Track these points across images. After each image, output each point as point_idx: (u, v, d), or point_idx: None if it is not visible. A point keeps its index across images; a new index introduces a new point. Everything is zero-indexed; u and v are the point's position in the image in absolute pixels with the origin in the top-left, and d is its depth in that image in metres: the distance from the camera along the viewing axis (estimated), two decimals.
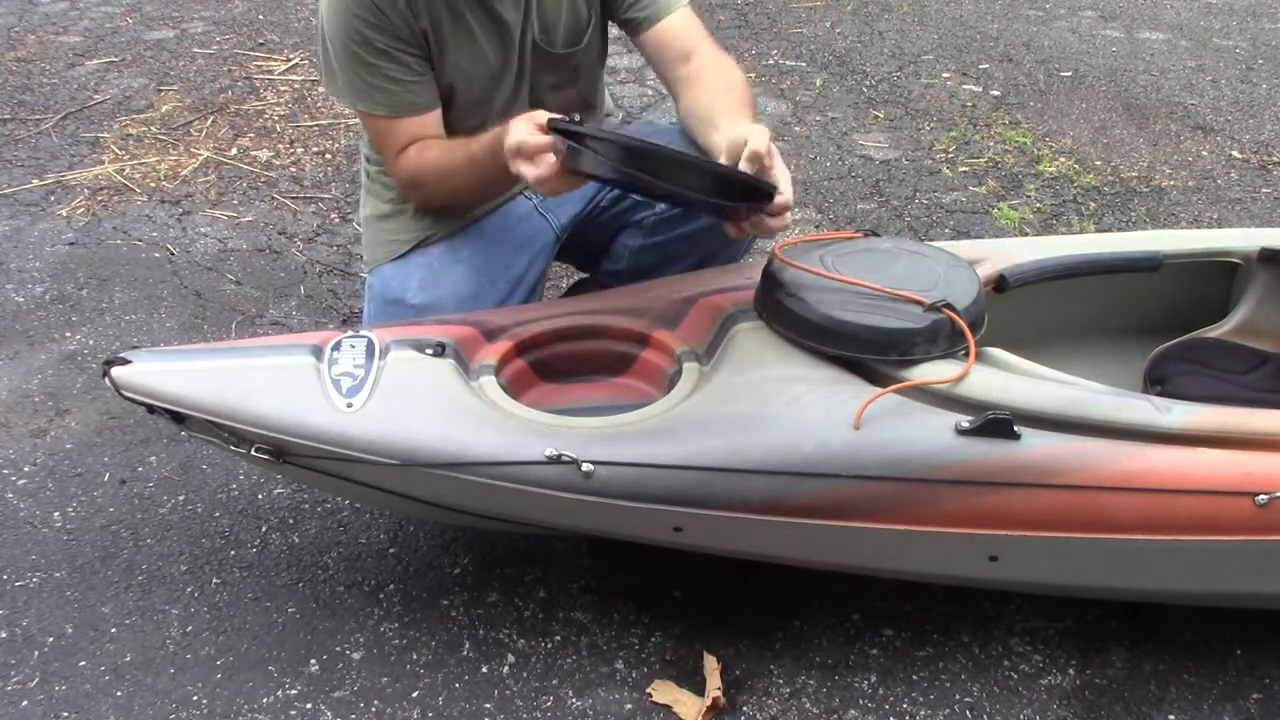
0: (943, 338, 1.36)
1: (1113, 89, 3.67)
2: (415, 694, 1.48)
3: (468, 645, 1.56)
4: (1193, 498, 1.29)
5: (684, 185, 1.27)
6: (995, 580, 1.47)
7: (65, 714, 1.45)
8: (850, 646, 1.56)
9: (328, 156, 3.07)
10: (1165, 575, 1.42)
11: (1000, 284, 1.61)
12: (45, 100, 3.39)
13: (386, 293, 1.72)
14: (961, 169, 3.09)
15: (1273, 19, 4.50)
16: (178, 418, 1.39)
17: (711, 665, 1.51)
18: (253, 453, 1.37)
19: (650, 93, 3.54)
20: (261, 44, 3.89)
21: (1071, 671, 1.53)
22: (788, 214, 1.38)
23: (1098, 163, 3.14)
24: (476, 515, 1.47)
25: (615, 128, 1.95)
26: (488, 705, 1.47)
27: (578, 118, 1.32)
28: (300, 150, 3.10)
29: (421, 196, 1.71)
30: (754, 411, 1.33)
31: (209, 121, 3.26)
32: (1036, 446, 1.30)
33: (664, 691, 1.48)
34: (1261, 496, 1.28)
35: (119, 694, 1.48)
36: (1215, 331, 1.77)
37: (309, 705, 1.47)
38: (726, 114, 1.50)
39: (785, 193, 1.35)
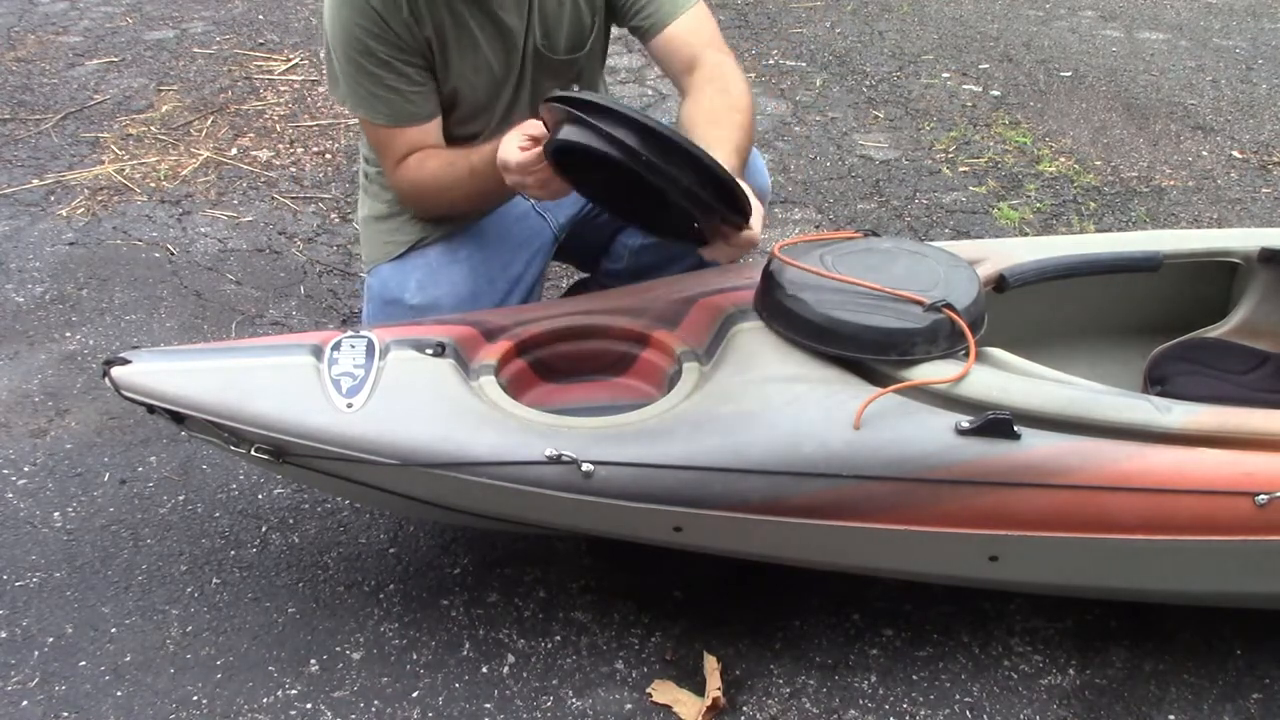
0: (943, 338, 1.36)
1: (1113, 89, 3.67)
2: (415, 694, 1.49)
3: (468, 645, 1.56)
4: (1193, 498, 1.29)
5: (673, 168, 1.23)
6: (995, 580, 1.47)
7: (65, 714, 1.45)
8: (850, 646, 1.56)
9: (328, 156, 3.07)
10: (1165, 575, 1.42)
11: (1000, 284, 1.61)
12: (45, 100, 3.39)
13: (385, 293, 1.72)
14: (961, 169, 3.09)
15: (1273, 19, 4.50)
16: (178, 418, 1.39)
17: (711, 665, 1.51)
18: (253, 453, 1.37)
19: (650, 93, 3.54)
20: (261, 44, 3.89)
21: (1071, 671, 1.53)
22: (747, 246, 1.35)
23: (1098, 163, 3.14)
24: (476, 515, 1.47)
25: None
26: (488, 705, 1.47)
27: (576, 88, 1.30)
28: (300, 150, 3.10)
29: (421, 206, 1.71)
30: (754, 411, 1.33)
31: (209, 121, 3.26)
32: (1036, 446, 1.30)
33: (664, 691, 1.48)
34: (1261, 496, 1.28)
35: (119, 694, 1.48)
36: (1215, 331, 1.77)
37: (309, 705, 1.47)
38: (718, 147, 1.40)
39: (755, 226, 1.33)
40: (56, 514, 1.78)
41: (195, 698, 1.47)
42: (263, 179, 2.93)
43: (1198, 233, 1.80)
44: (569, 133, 1.26)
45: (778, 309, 1.42)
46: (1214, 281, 1.78)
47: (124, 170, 2.94)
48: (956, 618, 1.60)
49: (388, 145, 1.65)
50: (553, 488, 1.31)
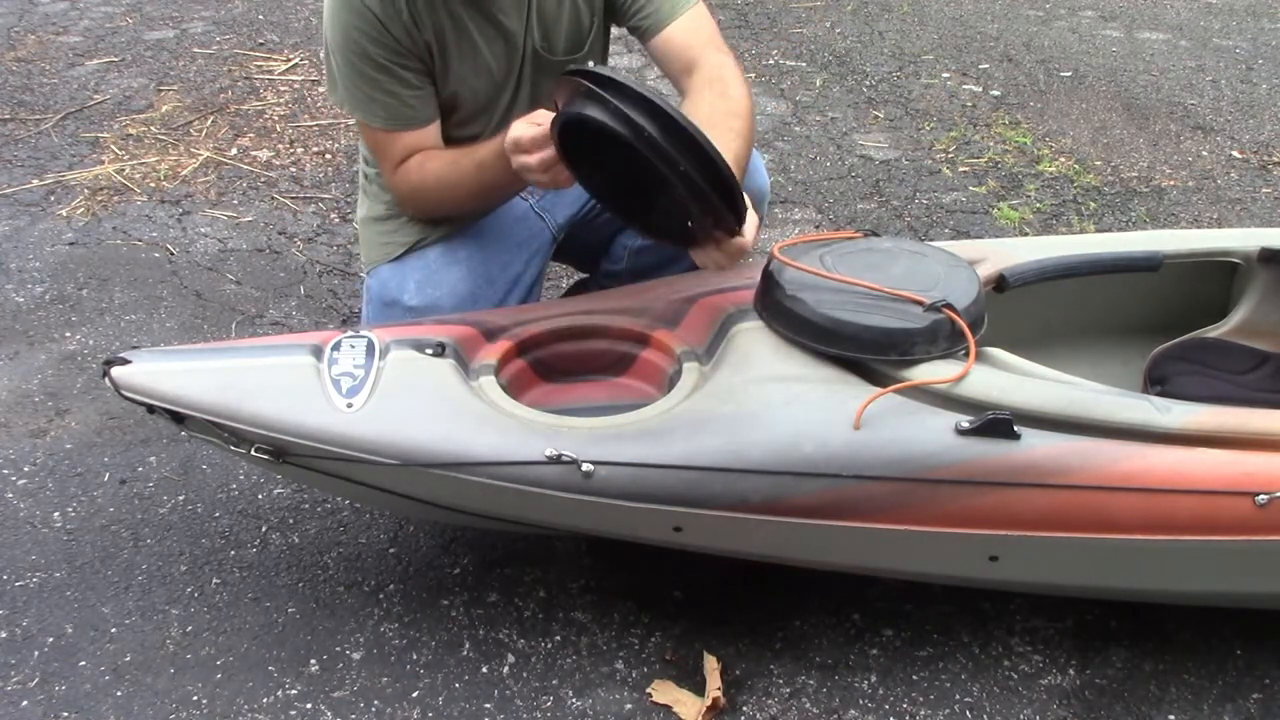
0: (943, 338, 1.36)
1: (1113, 89, 3.67)
2: (415, 694, 1.49)
3: (468, 645, 1.56)
4: (1193, 498, 1.29)
5: (678, 151, 1.22)
6: (995, 580, 1.47)
7: (65, 714, 1.45)
8: (850, 646, 1.56)
9: (328, 156, 3.07)
10: (1165, 575, 1.42)
11: (1000, 284, 1.61)
12: (45, 100, 3.39)
13: (384, 294, 1.72)
14: (961, 169, 3.09)
15: (1273, 19, 4.51)
16: (178, 418, 1.39)
17: (711, 665, 1.51)
18: (253, 453, 1.37)
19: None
20: (261, 44, 3.89)
21: (1071, 671, 1.53)
22: (737, 254, 1.35)
23: (1098, 163, 3.14)
24: (476, 515, 1.47)
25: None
26: (488, 705, 1.47)
27: (591, 63, 1.31)
28: (300, 150, 3.10)
29: (422, 209, 1.70)
30: (754, 411, 1.33)
31: (209, 121, 3.26)
32: (1036, 446, 1.30)
33: (664, 691, 1.48)
34: (1261, 496, 1.28)
35: (119, 694, 1.48)
36: (1215, 331, 1.77)
37: (309, 705, 1.47)
38: None
39: (747, 233, 1.33)
40: (56, 514, 1.78)
41: (195, 698, 1.47)
42: (263, 179, 2.93)
43: (1198, 233, 1.80)
44: (579, 104, 1.26)
45: (778, 309, 1.42)
46: (1214, 281, 1.78)
47: (124, 170, 2.94)
48: (956, 618, 1.60)
49: (386, 149, 1.64)
50: (553, 488, 1.31)
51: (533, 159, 1.37)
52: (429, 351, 1.42)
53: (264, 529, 1.76)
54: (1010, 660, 1.55)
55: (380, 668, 1.52)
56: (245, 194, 2.85)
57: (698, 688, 1.49)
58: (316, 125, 3.26)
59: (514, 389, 1.45)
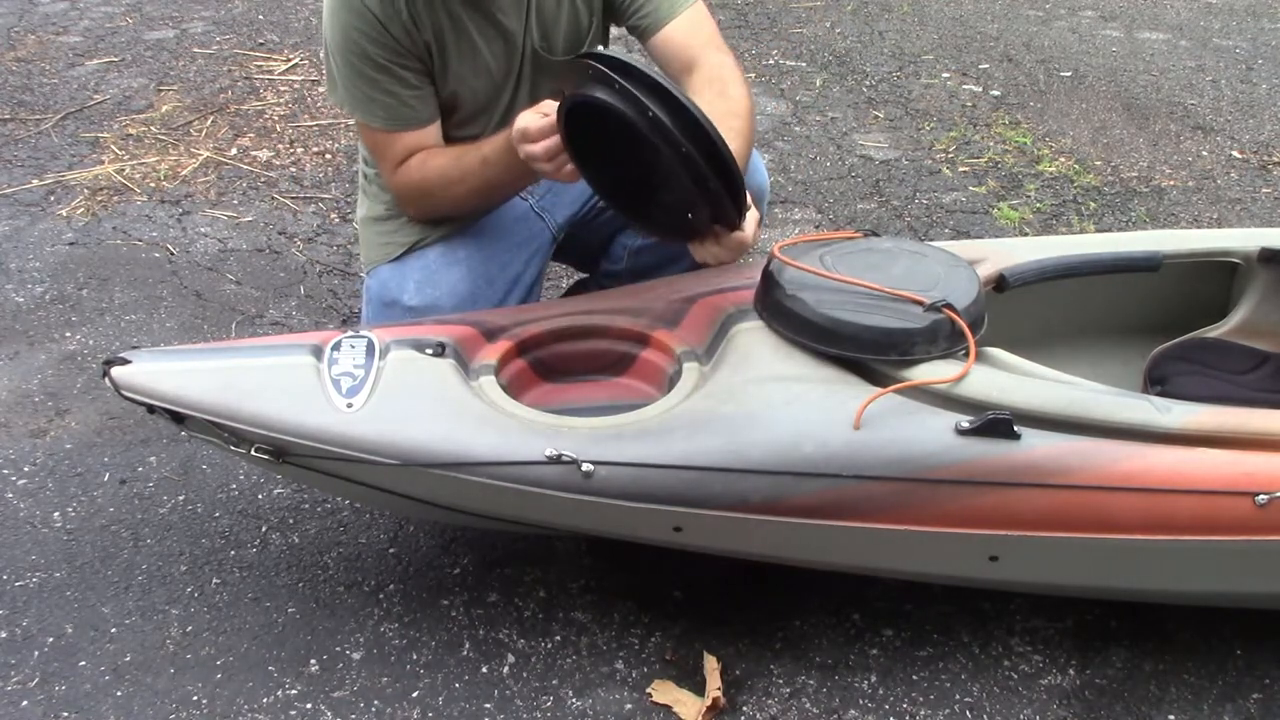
0: (943, 338, 1.36)
1: (1113, 89, 3.67)
2: (415, 694, 1.48)
3: (468, 645, 1.56)
4: (1193, 498, 1.29)
5: (682, 137, 1.23)
6: (995, 580, 1.47)
7: (65, 714, 1.45)
8: (850, 646, 1.56)
9: (328, 156, 3.07)
10: (1165, 575, 1.42)
11: (1000, 284, 1.61)
12: (45, 100, 3.39)
13: (384, 294, 1.72)
14: (961, 169, 3.09)
15: (1273, 19, 4.51)
16: (178, 418, 1.39)
17: (711, 665, 1.51)
18: (253, 453, 1.37)
19: None
20: (261, 44, 3.89)
21: (1071, 671, 1.53)
22: (737, 249, 1.35)
23: (1098, 163, 3.14)
24: (476, 515, 1.47)
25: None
26: (488, 705, 1.47)
27: (602, 48, 1.31)
28: (300, 150, 3.10)
29: (423, 208, 1.70)
30: (754, 411, 1.33)
31: (209, 121, 3.26)
32: (1036, 446, 1.30)
33: (664, 691, 1.48)
34: (1261, 496, 1.28)
35: (119, 694, 1.48)
36: (1215, 331, 1.77)
37: (309, 705, 1.47)
38: None
39: (747, 229, 1.33)
40: (56, 514, 1.78)
41: (195, 698, 1.47)
42: (263, 179, 2.93)
43: (1198, 233, 1.80)
44: (585, 87, 1.27)
45: (778, 309, 1.42)
46: (1214, 281, 1.78)
47: (124, 170, 2.94)
48: (956, 618, 1.60)
49: (386, 149, 1.64)
50: (553, 488, 1.31)
51: (539, 148, 1.37)
52: (429, 351, 1.42)
53: (264, 529, 1.76)
54: (1010, 660, 1.55)
55: (380, 668, 1.52)
56: (245, 194, 2.85)
57: (698, 688, 1.49)
58: (316, 125, 3.26)
59: (514, 389, 1.45)
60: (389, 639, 1.56)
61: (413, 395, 1.37)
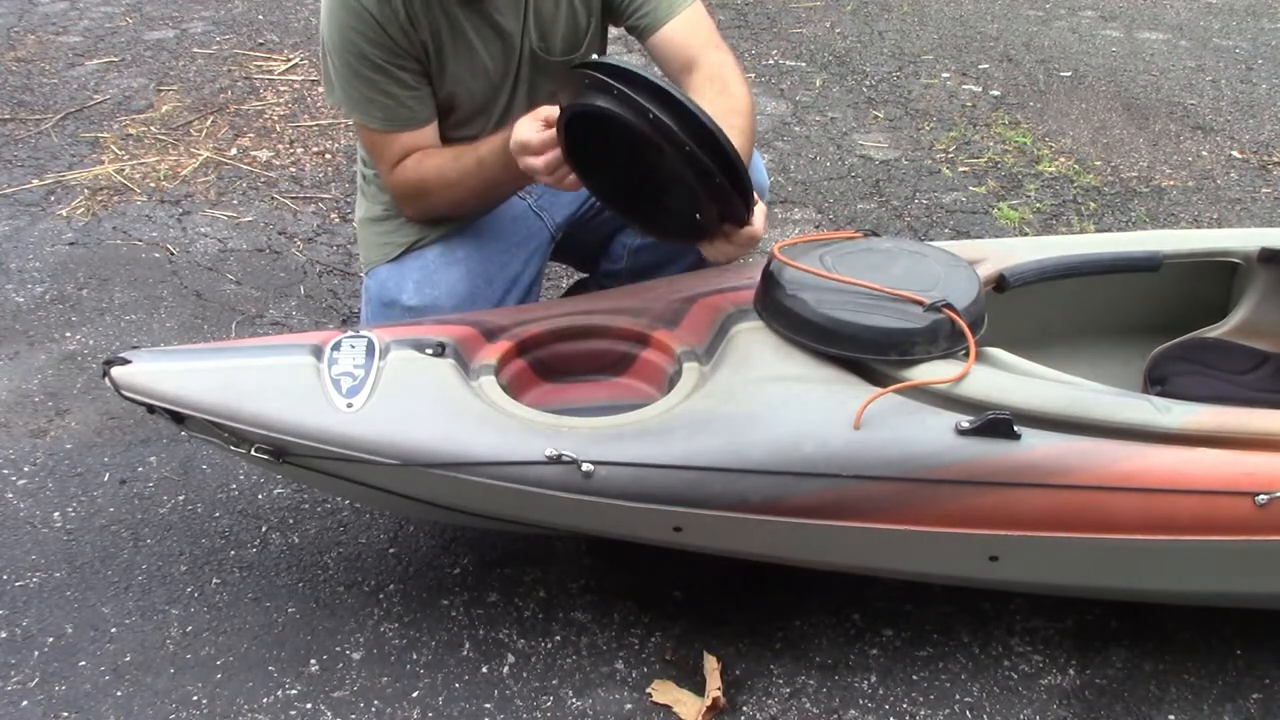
0: (943, 338, 1.36)
1: (1113, 89, 3.67)
2: (415, 694, 1.48)
3: (468, 645, 1.56)
4: (1193, 498, 1.29)
5: (686, 137, 1.23)
6: (995, 580, 1.47)
7: (65, 714, 1.45)
8: (850, 646, 1.56)
9: (328, 156, 3.07)
10: (1165, 575, 1.42)
11: (1000, 284, 1.61)
12: (45, 100, 3.39)
13: (383, 295, 1.72)
14: (961, 169, 3.09)
15: (1273, 19, 4.51)
16: (178, 418, 1.39)
17: (711, 665, 1.51)
18: (253, 453, 1.37)
19: None
20: (261, 44, 3.89)
21: (1071, 671, 1.53)
22: (749, 243, 1.35)
23: (1098, 163, 3.14)
24: (476, 515, 1.47)
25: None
26: (488, 705, 1.47)
27: (595, 56, 1.31)
28: (300, 150, 3.10)
29: (420, 208, 1.70)
30: (754, 411, 1.33)
31: (209, 121, 3.26)
32: (1036, 446, 1.30)
33: (664, 691, 1.48)
34: (1261, 496, 1.28)
35: (119, 694, 1.48)
36: (1215, 331, 1.77)
37: (309, 705, 1.47)
38: None
39: (757, 223, 1.33)
40: (56, 514, 1.78)
41: (195, 698, 1.47)
42: (263, 179, 2.93)
43: (1198, 233, 1.80)
44: (585, 96, 1.26)
45: (778, 309, 1.42)
46: (1214, 281, 1.78)
47: (124, 170, 2.94)
48: (956, 618, 1.60)
49: (383, 149, 1.64)
50: (553, 488, 1.31)
51: (540, 161, 1.37)
52: (429, 351, 1.42)
53: (264, 529, 1.76)
54: (1010, 660, 1.55)
55: (380, 668, 1.52)
56: (245, 194, 2.85)
57: (698, 688, 1.49)
58: (316, 125, 3.26)
59: (514, 389, 1.45)
60: (389, 639, 1.56)
61: (413, 395, 1.37)
